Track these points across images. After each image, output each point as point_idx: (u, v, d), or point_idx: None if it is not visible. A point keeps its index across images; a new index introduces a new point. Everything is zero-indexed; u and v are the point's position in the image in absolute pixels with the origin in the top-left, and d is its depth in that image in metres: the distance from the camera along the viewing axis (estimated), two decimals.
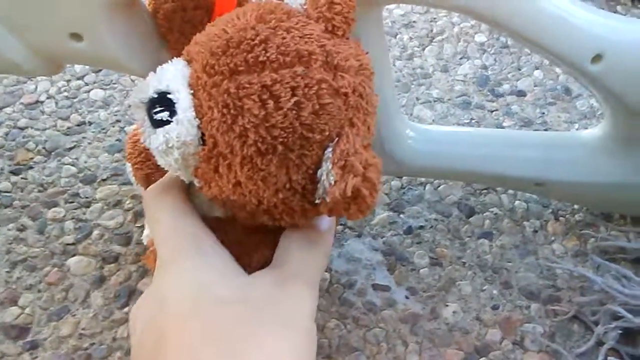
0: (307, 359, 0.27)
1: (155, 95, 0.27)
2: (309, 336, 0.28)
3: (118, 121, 0.57)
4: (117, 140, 0.55)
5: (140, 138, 0.42)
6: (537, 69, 0.63)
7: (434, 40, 0.66)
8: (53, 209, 0.50)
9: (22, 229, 0.48)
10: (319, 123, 0.27)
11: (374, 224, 0.50)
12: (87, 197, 0.51)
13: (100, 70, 0.61)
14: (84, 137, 0.55)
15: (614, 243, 0.48)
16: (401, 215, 0.51)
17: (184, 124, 0.27)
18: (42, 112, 0.57)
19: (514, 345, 0.43)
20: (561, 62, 0.37)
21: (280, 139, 0.26)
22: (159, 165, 0.42)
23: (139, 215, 0.49)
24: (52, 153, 0.54)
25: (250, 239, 0.32)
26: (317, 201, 0.28)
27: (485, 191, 0.52)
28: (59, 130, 0.56)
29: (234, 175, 0.27)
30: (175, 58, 0.29)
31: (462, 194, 0.52)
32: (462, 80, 0.61)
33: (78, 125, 0.56)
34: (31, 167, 0.53)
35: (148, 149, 0.41)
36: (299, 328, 0.28)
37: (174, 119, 0.27)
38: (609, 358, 0.41)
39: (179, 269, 0.28)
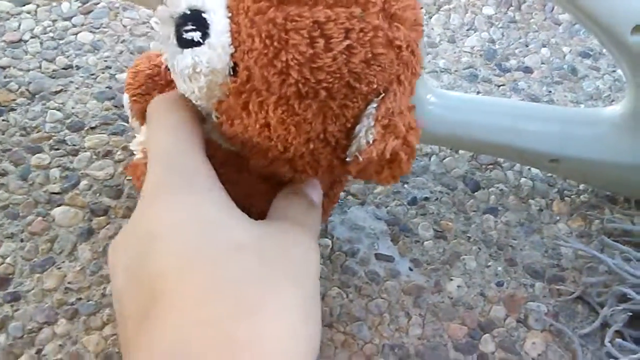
0: (316, 312, 0.25)
1: (188, 12, 0.24)
2: (317, 289, 0.26)
3: (108, 67, 0.53)
4: (107, 87, 0.52)
5: (140, 68, 0.39)
6: (544, 46, 0.61)
7: (440, 9, 0.63)
8: (37, 155, 0.46)
9: (3, 173, 0.45)
10: (368, 73, 0.24)
11: (378, 192, 0.48)
12: (74, 145, 0.47)
13: (89, 12, 0.57)
14: (71, 82, 0.52)
15: (619, 225, 0.47)
16: (405, 186, 0.49)
17: (216, 49, 0.24)
18: (26, 52, 0.53)
19: (518, 323, 0.42)
20: (599, 30, 0.35)
21: (325, 84, 0.24)
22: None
23: None
24: (36, 96, 0.50)
25: (257, 187, 0.30)
26: (348, 159, 0.26)
27: (490, 166, 0.51)
28: (43, 73, 0.52)
29: (264, 115, 0.25)
30: None
31: (467, 167, 0.51)
32: (469, 52, 0.60)
33: (64, 68, 0.52)
34: (13, 109, 0.49)
35: (151, 81, 0.39)
36: (310, 280, 0.25)
37: (206, 41, 0.24)
38: (615, 340, 0.40)
39: (176, 200, 0.24)
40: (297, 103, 0.24)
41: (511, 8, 0.64)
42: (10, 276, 0.40)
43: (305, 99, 0.24)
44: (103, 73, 0.53)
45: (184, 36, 0.24)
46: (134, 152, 0.32)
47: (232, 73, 0.25)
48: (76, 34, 0.55)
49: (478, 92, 0.56)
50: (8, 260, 0.41)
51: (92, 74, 0.52)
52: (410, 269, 0.44)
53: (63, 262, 0.41)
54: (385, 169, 0.26)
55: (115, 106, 0.50)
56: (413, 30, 0.26)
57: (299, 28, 0.23)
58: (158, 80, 0.39)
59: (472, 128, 0.42)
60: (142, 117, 0.40)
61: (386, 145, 0.25)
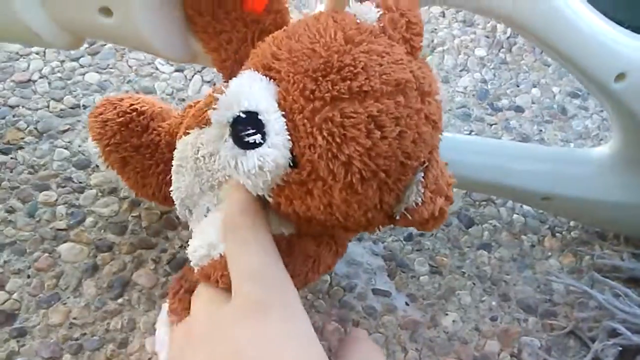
0: None
1: (243, 115, 0.26)
2: None
3: None
4: None
5: (108, 116, 0.41)
6: (534, 86, 0.63)
7: (435, 51, 0.66)
8: (44, 192, 0.48)
9: (11, 210, 0.46)
10: (416, 150, 0.27)
11: None
12: (80, 183, 0.49)
13: (97, 53, 0.59)
14: (78, 121, 0.53)
15: (609, 262, 0.48)
16: None
17: (278, 147, 0.26)
18: (34, 92, 0.55)
19: (512, 358, 0.43)
20: (585, 78, 0.37)
21: (383, 167, 0.26)
22: (138, 147, 0.41)
23: (135, 204, 0.48)
24: (44, 134, 0.52)
25: (317, 249, 0.32)
26: (396, 217, 0.29)
27: (484, 203, 0.53)
28: (51, 112, 0.53)
29: (328, 198, 0.27)
30: (250, 70, 0.28)
31: (462, 204, 0.52)
32: (462, 92, 0.62)
33: (72, 107, 0.54)
34: (21, 147, 0.50)
35: (126, 129, 0.40)
36: None
37: (266, 141, 0.26)
38: None
39: (265, 322, 0.26)
40: (360, 186, 0.26)
41: (502, 50, 0.67)
42: (17, 312, 0.41)
43: (367, 181, 0.26)
44: None
45: (246, 139, 0.26)
46: (191, 258, 0.32)
47: (291, 165, 0.27)
48: (84, 74, 0.57)
49: (471, 131, 0.58)
50: (14, 296, 0.42)
51: None
52: (407, 304, 0.45)
53: (68, 297, 0.42)
54: (430, 220, 0.28)
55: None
56: (437, 100, 0.29)
57: (356, 123, 0.25)
58: (134, 127, 0.41)
59: (466, 168, 0.44)
60: (120, 166, 0.42)
61: (435, 206, 0.28)
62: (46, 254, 0.44)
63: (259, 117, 0.26)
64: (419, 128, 0.27)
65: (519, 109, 0.61)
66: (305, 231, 0.31)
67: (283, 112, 0.26)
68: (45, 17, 0.32)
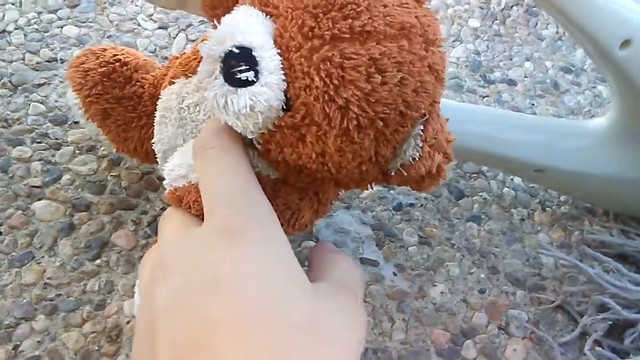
0: None
1: (236, 50, 0.24)
2: (360, 354, 0.26)
3: None
4: None
5: (89, 65, 0.39)
6: (527, 60, 0.62)
7: None
8: (18, 148, 0.45)
9: None
10: (417, 100, 0.25)
11: (364, 197, 0.48)
12: (57, 139, 0.46)
13: (76, 6, 0.56)
14: (55, 75, 0.51)
15: (599, 237, 0.48)
16: (391, 191, 0.49)
17: (272, 87, 0.24)
18: (9, 43, 0.52)
19: (499, 330, 0.43)
20: (588, 42, 0.36)
21: (382, 115, 0.25)
22: (120, 99, 0.38)
23: (114, 163, 0.46)
24: (19, 88, 0.49)
25: (299, 202, 0.30)
26: (391, 172, 0.28)
27: (475, 175, 0.52)
28: (27, 64, 0.51)
29: (321, 146, 0.25)
30: (245, 6, 0.26)
31: (452, 175, 0.51)
32: (454, 63, 0.60)
33: (48, 61, 0.51)
34: None
35: (108, 80, 0.38)
36: (358, 350, 0.26)
37: (260, 80, 0.24)
38: (595, 349, 0.41)
39: (250, 251, 0.24)
40: (356, 134, 0.25)
41: (496, 22, 0.65)
42: None
43: (364, 129, 0.25)
44: None
45: (238, 76, 0.24)
46: (166, 177, 0.30)
47: (284, 108, 0.25)
48: (61, 27, 0.54)
49: (463, 102, 0.57)
50: None
51: None
52: (395, 274, 0.44)
53: (42, 257, 0.40)
54: (426, 179, 0.27)
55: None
56: (440, 50, 0.27)
57: (356, 65, 0.24)
58: (117, 78, 0.39)
59: (458, 135, 0.42)
60: (101, 118, 0.39)
61: (432, 162, 0.27)
62: (20, 211, 0.42)
63: (253, 53, 0.24)
64: (422, 76, 0.25)
65: (511, 82, 0.60)
66: (292, 183, 0.29)
67: (279, 50, 0.25)
68: None
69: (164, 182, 0.30)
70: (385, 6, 0.25)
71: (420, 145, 0.26)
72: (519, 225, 0.49)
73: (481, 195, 0.50)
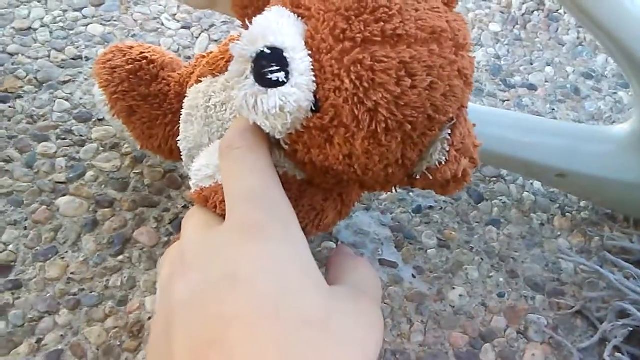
0: None
1: (267, 51, 0.24)
2: (377, 354, 0.26)
3: None
4: None
5: (116, 63, 0.39)
6: (548, 65, 0.62)
7: None
8: (43, 144, 0.46)
9: (8, 160, 0.44)
10: (446, 104, 0.25)
11: (383, 199, 0.48)
12: (81, 136, 0.47)
13: (100, 5, 0.57)
14: (79, 72, 0.51)
15: (619, 243, 0.48)
16: (410, 194, 0.49)
17: (302, 89, 0.24)
18: (35, 40, 0.53)
19: (518, 335, 0.43)
20: (613, 46, 0.36)
21: (410, 118, 0.25)
22: (146, 96, 0.39)
23: (137, 161, 0.46)
24: (44, 84, 0.49)
25: (324, 203, 0.30)
26: (417, 176, 0.28)
27: (494, 179, 0.52)
28: (52, 62, 0.51)
29: (349, 148, 0.25)
30: (277, 7, 0.26)
31: (472, 179, 0.51)
32: (475, 67, 0.60)
33: (73, 59, 0.52)
34: (20, 96, 0.48)
35: (135, 77, 0.39)
36: (374, 350, 0.26)
37: (290, 80, 0.24)
38: (614, 355, 0.41)
39: (269, 248, 0.24)
40: (384, 136, 0.25)
41: (517, 26, 0.65)
42: (12, 264, 0.39)
43: (392, 132, 0.25)
44: None
45: (269, 76, 0.24)
46: (193, 177, 0.31)
47: (313, 109, 0.25)
48: (86, 25, 0.55)
49: (483, 106, 0.57)
50: (10, 247, 0.40)
51: None
52: (414, 276, 0.44)
53: (66, 252, 0.41)
54: (452, 183, 0.28)
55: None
56: (469, 53, 0.27)
57: (387, 68, 0.24)
58: (143, 76, 0.39)
59: (481, 139, 0.42)
60: (127, 115, 0.40)
61: (459, 166, 0.27)
62: (44, 207, 0.42)
63: (284, 54, 0.24)
64: (451, 81, 0.25)
65: (532, 87, 0.60)
66: (318, 184, 0.30)
67: (310, 52, 0.25)
68: None
69: (191, 182, 0.30)
70: (417, 10, 0.25)
71: (447, 149, 0.26)
72: (539, 230, 0.49)
73: (501, 200, 0.50)
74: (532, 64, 0.62)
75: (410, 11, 0.24)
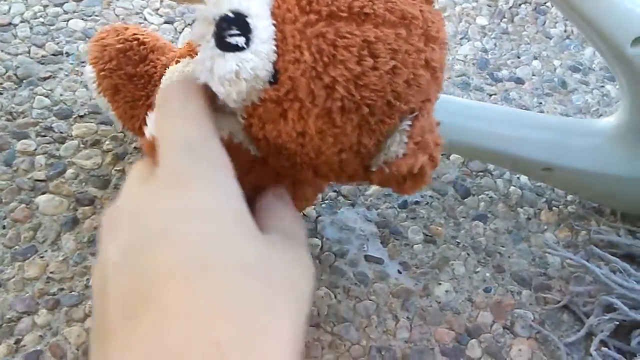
0: (304, 324, 0.24)
1: (231, 15, 0.24)
2: (310, 304, 0.25)
3: None
4: None
5: (108, 41, 0.39)
6: (535, 59, 0.62)
7: None
8: (23, 141, 0.45)
9: None
10: (408, 93, 0.25)
11: (369, 194, 0.48)
12: (61, 133, 0.46)
13: (81, 0, 0.56)
14: (60, 68, 0.50)
15: (606, 237, 0.47)
16: None
17: (261, 56, 0.24)
18: (15, 36, 0.52)
19: (504, 330, 0.42)
20: (599, 40, 0.36)
21: (368, 101, 0.24)
22: (132, 76, 0.39)
23: (118, 158, 0.45)
24: (24, 81, 0.49)
25: (268, 183, 0.30)
26: (373, 168, 0.27)
27: (481, 173, 0.51)
28: (32, 58, 0.51)
29: (303, 125, 0.25)
30: None
31: (458, 173, 0.51)
32: (462, 60, 0.60)
33: (54, 54, 0.51)
34: (0, 93, 0.47)
35: (124, 56, 0.39)
36: (307, 300, 0.25)
37: (249, 47, 0.24)
38: (601, 349, 0.40)
39: (198, 196, 0.23)
40: (339, 116, 0.24)
41: (504, 20, 0.65)
42: None
43: (348, 113, 0.24)
44: None
45: (227, 40, 0.24)
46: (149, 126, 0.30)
47: (272, 80, 0.25)
48: (67, 20, 0.54)
49: (470, 100, 0.56)
50: None
51: (82, 62, 0.51)
52: (399, 272, 0.44)
53: (46, 251, 0.40)
54: (408, 180, 0.26)
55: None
56: (443, 48, 0.27)
57: (349, 45, 0.23)
58: (132, 56, 0.40)
59: (467, 133, 0.42)
60: (111, 92, 0.40)
61: (416, 161, 0.25)
62: (23, 205, 0.42)
63: (248, 20, 0.24)
64: (416, 69, 0.25)
65: (519, 81, 0.59)
66: (272, 165, 0.29)
67: (274, 22, 0.24)
68: None
69: (146, 132, 0.29)
70: None
71: (405, 141, 0.26)
72: (525, 224, 0.49)
73: (487, 194, 0.50)
74: (519, 58, 0.62)
75: None
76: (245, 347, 0.20)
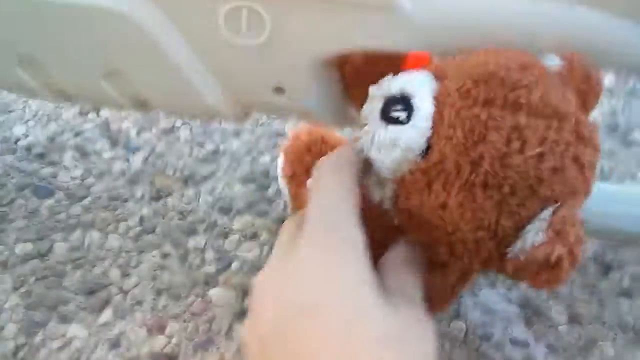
0: None
1: (398, 95, 0.28)
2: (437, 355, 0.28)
3: (248, 151, 0.58)
4: (249, 170, 0.56)
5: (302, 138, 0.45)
6: None
7: None
8: (193, 237, 0.51)
9: (165, 256, 0.50)
10: (552, 182, 0.26)
11: None
12: (225, 228, 0.52)
13: None
14: (218, 166, 0.57)
15: None
16: None
17: (418, 131, 0.27)
18: (178, 139, 0.59)
19: None
20: None
21: (510, 180, 0.26)
22: (308, 172, 0.43)
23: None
24: (189, 181, 0.55)
25: (392, 238, 0.32)
26: (508, 255, 0.27)
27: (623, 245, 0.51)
28: (194, 158, 0.57)
29: (445, 196, 0.27)
30: (422, 69, 0.29)
31: (596, 248, 0.51)
32: None
33: (212, 153, 0.58)
34: (170, 194, 0.54)
35: (309, 152, 0.44)
36: (433, 354, 0.27)
37: (410, 122, 0.27)
38: None
39: (341, 274, 0.26)
40: (480, 191, 0.26)
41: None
42: (176, 356, 0.44)
43: (489, 189, 0.26)
44: (246, 157, 0.58)
45: (391, 114, 0.28)
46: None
47: (424, 154, 0.28)
48: (221, 120, 0.61)
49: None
50: (174, 340, 0.45)
51: (236, 158, 0.57)
52: (547, 355, 0.45)
53: (221, 341, 0.45)
54: (544, 273, 0.26)
55: (258, 189, 0.55)
56: (595, 153, 0.28)
57: (498, 127, 0.26)
58: (316, 152, 0.44)
59: (608, 218, 0.43)
60: (290, 181, 0.46)
61: (553, 250, 0.25)
62: (199, 299, 0.47)
63: (412, 100, 0.27)
64: (563, 160, 0.26)
65: None
66: (410, 240, 0.31)
67: (435, 103, 0.27)
68: (220, 92, 0.35)
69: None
70: (546, 91, 0.26)
71: (544, 230, 0.25)
72: None
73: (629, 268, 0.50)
74: None
75: (539, 87, 0.26)
76: None
